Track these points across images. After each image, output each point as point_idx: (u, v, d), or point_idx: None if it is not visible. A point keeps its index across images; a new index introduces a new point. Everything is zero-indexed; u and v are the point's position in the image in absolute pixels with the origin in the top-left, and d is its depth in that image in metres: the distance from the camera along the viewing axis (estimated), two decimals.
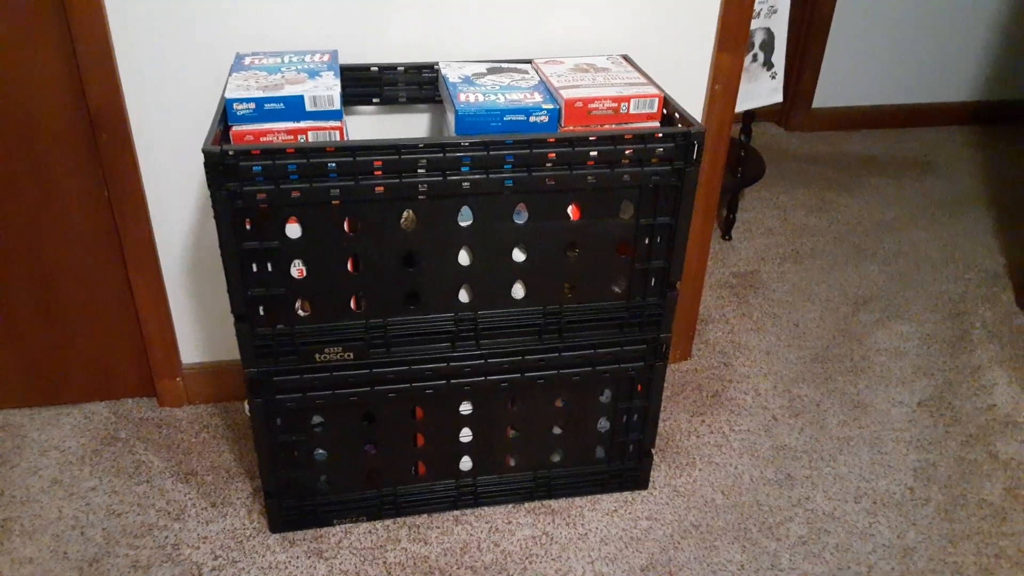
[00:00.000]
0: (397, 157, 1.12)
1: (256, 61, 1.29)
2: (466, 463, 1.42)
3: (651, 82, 1.30)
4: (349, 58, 1.40)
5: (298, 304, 1.21)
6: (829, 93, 3.07)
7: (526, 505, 1.47)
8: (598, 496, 1.50)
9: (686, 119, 1.21)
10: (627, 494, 1.50)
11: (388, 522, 1.43)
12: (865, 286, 2.16)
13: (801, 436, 1.65)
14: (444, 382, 1.31)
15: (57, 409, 1.66)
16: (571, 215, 1.23)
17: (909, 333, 1.97)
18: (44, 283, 1.53)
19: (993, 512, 1.49)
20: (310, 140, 1.17)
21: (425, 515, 1.44)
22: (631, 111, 1.25)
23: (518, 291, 1.28)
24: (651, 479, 1.53)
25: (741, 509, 1.48)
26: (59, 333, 1.59)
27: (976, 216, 2.53)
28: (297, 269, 1.18)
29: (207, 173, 1.07)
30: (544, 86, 1.29)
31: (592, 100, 1.23)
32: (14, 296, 1.53)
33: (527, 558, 1.37)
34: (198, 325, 1.62)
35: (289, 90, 1.17)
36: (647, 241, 1.26)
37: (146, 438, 1.59)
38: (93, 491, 1.47)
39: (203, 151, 1.06)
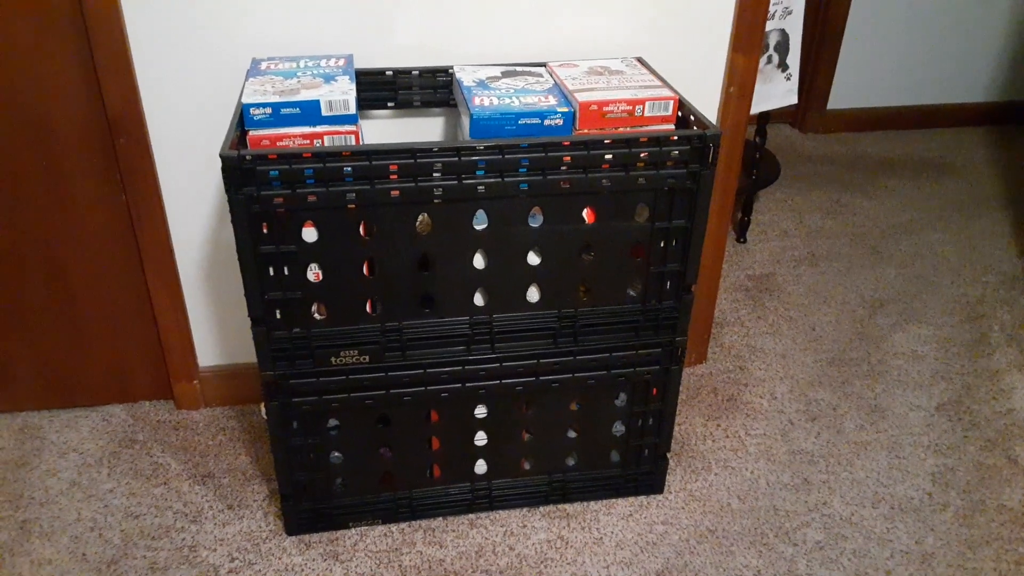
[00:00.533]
0: (412, 161, 1.12)
1: (272, 66, 1.29)
2: (481, 466, 1.42)
3: (666, 84, 1.29)
4: (364, 62, 1.41)
5: (314, 307, 1.22)
6: (844, 94, 3.05)
7: (541, 509, 1.47)
8: (613, 500, 1.49)
9: (701, 121, 1.21)
10: (642, 498, 1.50)
11: (403, 525, 1.43)
12: (882, 289, 2.14)
13: (818, 440, 1.64)
14: (459, 385, 1.31)
15: (75, 411, 1.67)
16: (586, 218, 1.23)
17: (927, 336, 1.96)
18: (62, 286, 1.55)
19: (1013, 518, 1.47)
20: (326, 144, 1.18)
21: (440, 518, 1.44)
22: (646, 114, 1.24)
23: (533, 294, 1.28)
24: (666, 483, 1.52)
25: (757, 514, 1.47)
26: (77, 336, 1.60)
27: (994, 218, 2.51)
28: (313, 273, 1.19)
29: (224, 177, 1.08)
30: (559, 89, 1.29)
31: (607, 103, 1.22)
32: (33, 299, 1.55)
33: (542, 562, 1.37)
34: (215, 328, 1.63)
35: (305, 95, 1.17)
36: (662, 244, 1.26)
37: (163, 440, 1.60)
38: (111, 493, 1.48)
39: (220, 156, 1.06)
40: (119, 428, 1.63)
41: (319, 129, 1.17)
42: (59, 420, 1.65)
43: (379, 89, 1.41)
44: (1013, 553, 1.40)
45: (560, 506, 1.48)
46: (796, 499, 1.50)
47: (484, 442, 1.39)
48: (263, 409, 1.30)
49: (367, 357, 1.26)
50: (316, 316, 1.22)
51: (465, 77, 1.33)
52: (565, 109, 1.22)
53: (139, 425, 1.64)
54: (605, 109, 1.23)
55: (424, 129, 1.50)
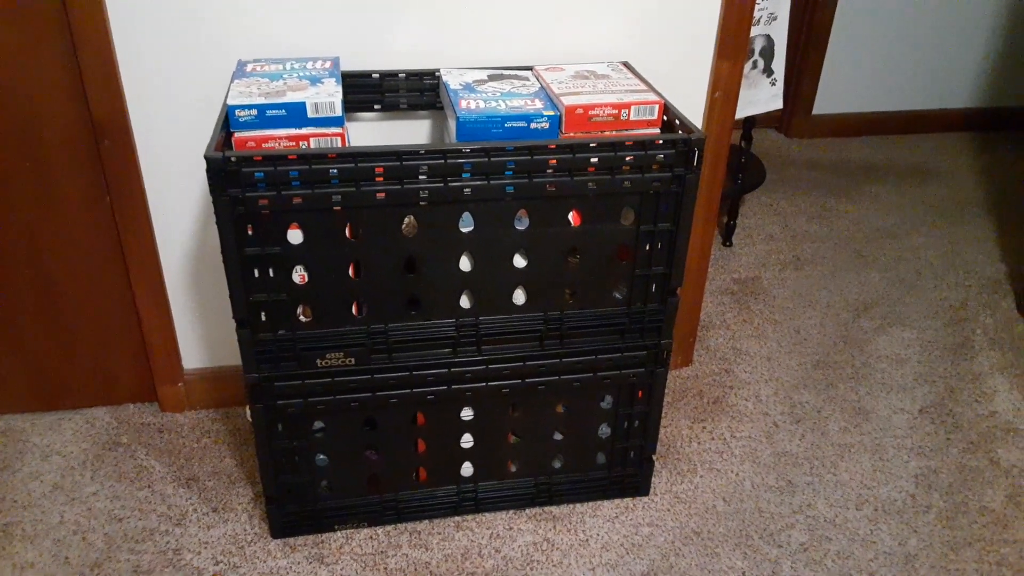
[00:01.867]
0: (399, 163, 1.12)
1: (258, 68, 1.29)
2: (467, 469, 1.42)
3: (651, 89, 1.30)
4: (350, 65, 1.41)
5: (299, 310, 1.22)
6: (829, 99, 3.08)
7: (527, 511, 1.47)
8: (599, 502, 1.49)
9: (686, 126, 1.22)
10: (628, 500, 1.50)
11: (389, 528, 1.43)
12: (866, 292, 2.16)
13: (802, 443, 1.65)
14: (445, 388, 1.31)
15: (59, 414, 1.66)
16: (572, 221, 1.23)
17: (910, 340, 1.97)
18: (46, 288, 1.54)
19: (995, 519, 1.49)
20: (312, 146, 1.18)
21: (426, 521, 1.44)
22: (631, 118, 1.25)
23: (519, 297, 1.28)
24: (652, 485, 1.53)
25: (742, 516, 1.48)
26: (61, 338, 1.59)
27: (977, 222, 2.54)
28: (299, 275, 1.18)
29: (209, 179, 1.07)
30: (545, 93, 1.30)
31: (593, 107, 1.23)
32: (17, 301, 1.54)
33: (528, 564, 1.37)
34: (200, 330, 1.62)
35: (291, 97, 1.17)
36: (648, 247, 1.26)
37: (148, 443, 1.59)
38: (95, 496, 1.47)
39: (205, 157, 1.06)
40: (103, 431, 1.62)
41: (305, 131, 1.17)
42: (42, 423, 1.64)
43: (365, 91, 1.41)
44: (995, 554, 1.42)
45: (546, 508, 1.48)
46: (781, 501, 1.51)
47: (470, 444, 1.39)
48: (248, 412, 1.30)
49: (353, 359, 1.26)
50: (301, 318, 1.22)
51: (452, 80, 1.34)
52: (551, 112, 1.22)
53: (123, 428, 1.63)
54: (591, 113, 1.23)
55: (410, 132, 1.50)
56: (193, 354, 1.64)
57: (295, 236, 1.15)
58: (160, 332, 1.58)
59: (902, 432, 1.69)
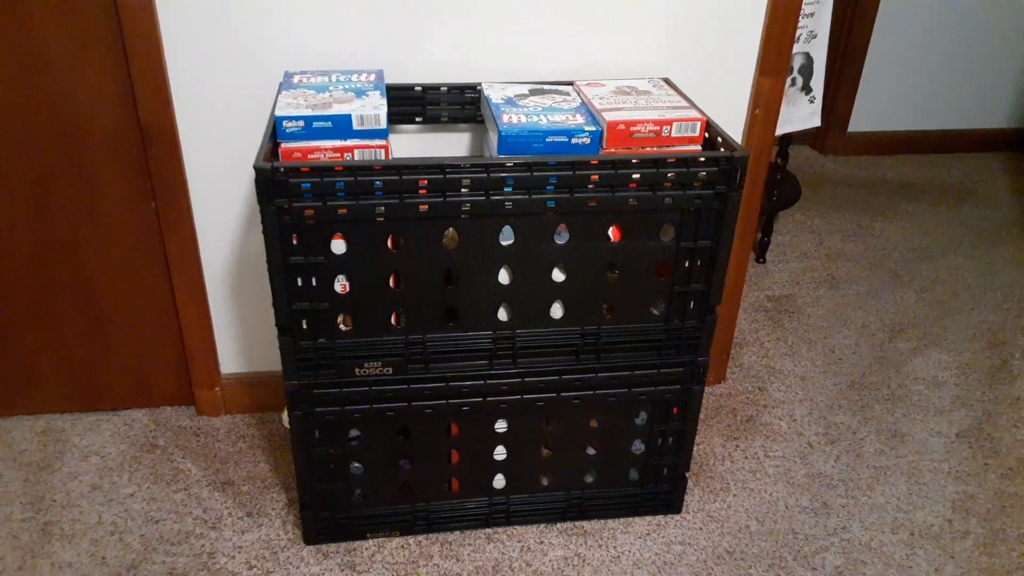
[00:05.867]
0: (442, 176, 1.13)
1: (304, 80, 1.31)
2: (499, 481, 1.42)
3: (693, 105, 1.30)
4: (393, 77, 1.43)
5: (340, 319, 1.23)
6: (865, 117, 3.05)
7: (558, 525, 1.47)
8: (631, 519, 1.49)
9: (728, 143, 1.22)
10: (660, 518, 1.49)
11: (420, 538, 1.43)
12: (902, 313, 2.13)
13: (837, 464, 1.63)
14: (480, 399, 1.32)
15: (97, 415, 1.69)
16: (612, 236, 1.24)
17: (947, 362, 1.95)
18: (89, 291, 1.57)
19: None
20: (356, 158, 1.19)
21: (457, 532, 1.45)
22: (673, 134, 1.25)
23: (557, 311, 1.28)
24: (685, 503, 1.52)
25: (776, 537, 1.46)
26: (102, 340, 1.62)
27: (1015, 244, 2.50)
28: (340, 284, 1.20)
29: (257, 189, 1.09)
30: (586, 108, 1.30)
31: (634, 123, 1.23)
32: (59, 303, 1.57)
33: None
34: (238, 336, 1.64)
35: (337, 109, 1.19)
36: (687, 264, 1.26)
37: (184, 446, 1.61)
38: (132, 497, 1.49)
39: (254, 168, 1.08)
40: (141, 433, 1.64)
41: (350, 143, 1.19)
42: (82, 423, 1.66)
43: (408, 104, 1.42)
44: None
45: (577, 523, 1.47)
46: (815, 523, 1.50)
47: (503, 457, 1.39)
48: (284, 417, 1.31)
49: (390, 369, 1.27)
50: (341, 327, 1.23)
51: (493, 94, 1.35)
52: (592, 128, 1.23)
53: (160, 430, 1.65)
54: (632, 129, 1.24)
55: (450, 145, 1.51)
56: (230, 359, 1.66)
57: (338, 246, 1.16)
58: (199, 336, 1.61)
59: (939, 456, 1.66)
